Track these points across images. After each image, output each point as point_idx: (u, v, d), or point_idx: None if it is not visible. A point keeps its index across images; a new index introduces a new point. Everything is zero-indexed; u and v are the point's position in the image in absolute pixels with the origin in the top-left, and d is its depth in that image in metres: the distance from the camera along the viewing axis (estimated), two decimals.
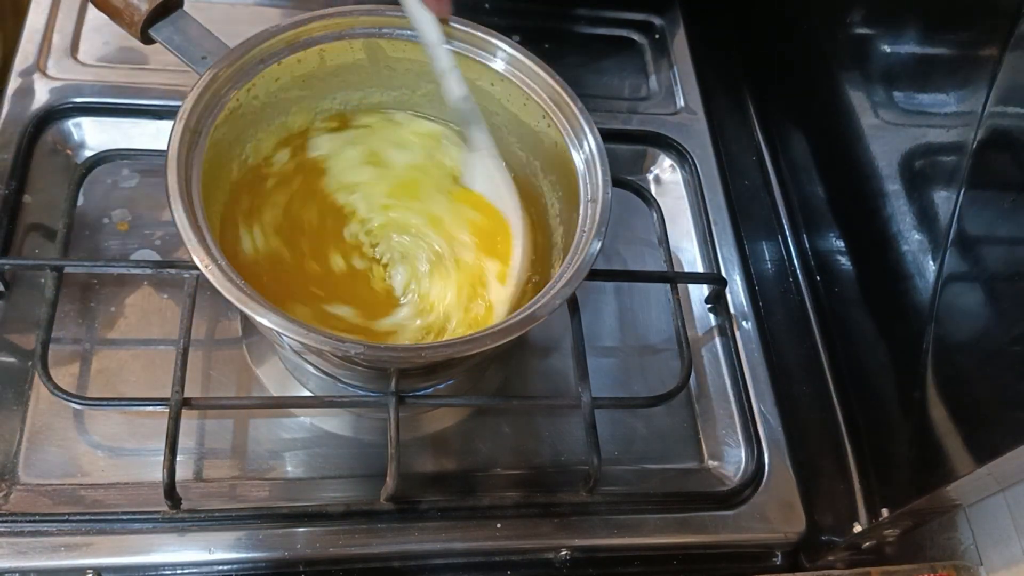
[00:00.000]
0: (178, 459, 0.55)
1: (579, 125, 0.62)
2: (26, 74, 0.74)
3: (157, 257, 0.70)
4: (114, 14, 0.62)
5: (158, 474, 0.55)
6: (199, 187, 0.54)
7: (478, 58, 0.65)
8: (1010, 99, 0.53)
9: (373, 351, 0.52)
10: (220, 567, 0.58)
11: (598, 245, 0.56)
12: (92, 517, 0.57)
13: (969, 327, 0.56)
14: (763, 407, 0.69)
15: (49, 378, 0.59)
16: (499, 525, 0.61)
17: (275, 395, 0.66)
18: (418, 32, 0.62)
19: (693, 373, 0.68)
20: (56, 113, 0.73)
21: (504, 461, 0.66)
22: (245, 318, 0.68)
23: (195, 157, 0.56)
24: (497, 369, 0.71)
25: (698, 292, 0.76)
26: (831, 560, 0.65)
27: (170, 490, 0.55)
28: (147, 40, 0.62)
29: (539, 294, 0.55)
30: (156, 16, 0.61)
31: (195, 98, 0.57)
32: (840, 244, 0.73)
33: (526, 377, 0.71)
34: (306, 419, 0.65)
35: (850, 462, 0.69)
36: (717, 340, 0.73)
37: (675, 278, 0.72)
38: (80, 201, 0.69)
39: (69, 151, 0.73)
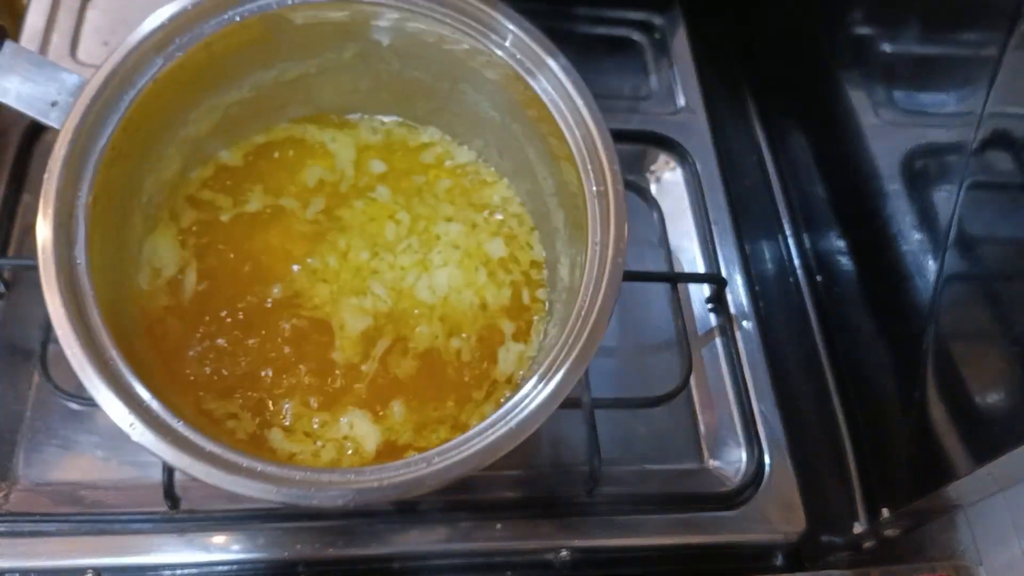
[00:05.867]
0: None
1: (560, 84, 0.57)
2: None
3: None
4: None
5: (158, 474, 0.55)
6: (91, 283, 0.44)
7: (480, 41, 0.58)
8: (1010, 99, 0.53)
9: (364, 496, 0.43)
10: (220, 567, 0.58)
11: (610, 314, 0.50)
12: (92, 517, 0.57)
13: (969, 327, 0.56)
14: (763, 407, 0.69)
15: (49, 378, 0.59)
16: (499, 525, 0.61)
17: None
18: None
19: (693, 373, 0.68)
20: None
21: (504, 461, 0.66)
22: None
23: (76, 247, 0.45)
24: None
25: (698, 292, 0.76)
26: (831, 560, 0.65)
27: (170, 490, 0.55)
28: None
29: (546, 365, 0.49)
30: None
31: (59, 172, 0.45)
32: (840, 244, 0.73)
33: None
34: None
35: (850, 462, 0.69)
36: (717, 340, 0.73)
37: (675, 278, 0.72)
38: None
39: None
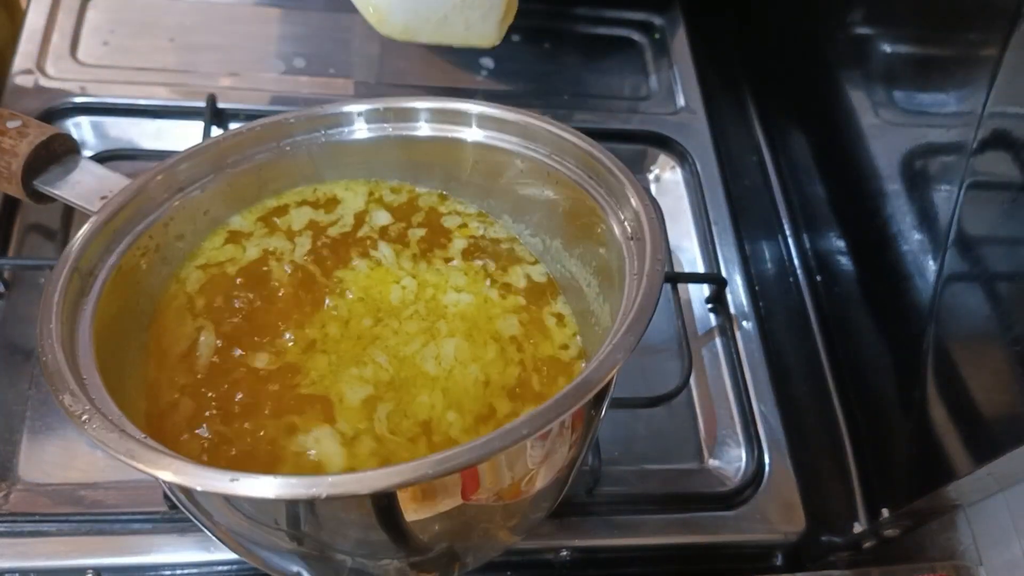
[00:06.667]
0: None
1: (603, 169, 0.52)
2: (26, 74, 0.74)
3: None
4: None
5: None
6: (90, 344, 0.43)
7: (446, 133, 0.56)
8: (1010, 99, 0.53)
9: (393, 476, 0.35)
10: (220, 567, 0.58)
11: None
12: (92, 517, 0.57)
13: (969, 327, 0.56)
14: (763, 407, 0.69)
15: None
16: None
17: None
18: None
19: (693, 373, 0.68)
20: (56, 113, 0.73)
21: None
22: None
23: (85, 308, 0.45)
24: None
25: (698, 292, 0.76)
26: (831, 560, 0.65)
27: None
28: (37, 197, 0.53)
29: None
30: (39, 163, 0.52)
31: (86, 237, 0.47)
32: (840, 244, 0.73)
33: None
34: None
35: (850, 462, 0.69)
36: (717, 340, 0.73)
37: (675, 278, 0.72)
38: None
39: None
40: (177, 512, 0.56)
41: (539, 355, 0.55)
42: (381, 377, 0.51)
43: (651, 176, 0.84)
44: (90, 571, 0.56)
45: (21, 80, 0.74)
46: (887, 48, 0.67)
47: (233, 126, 0.76)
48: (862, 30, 0.71)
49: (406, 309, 0.55)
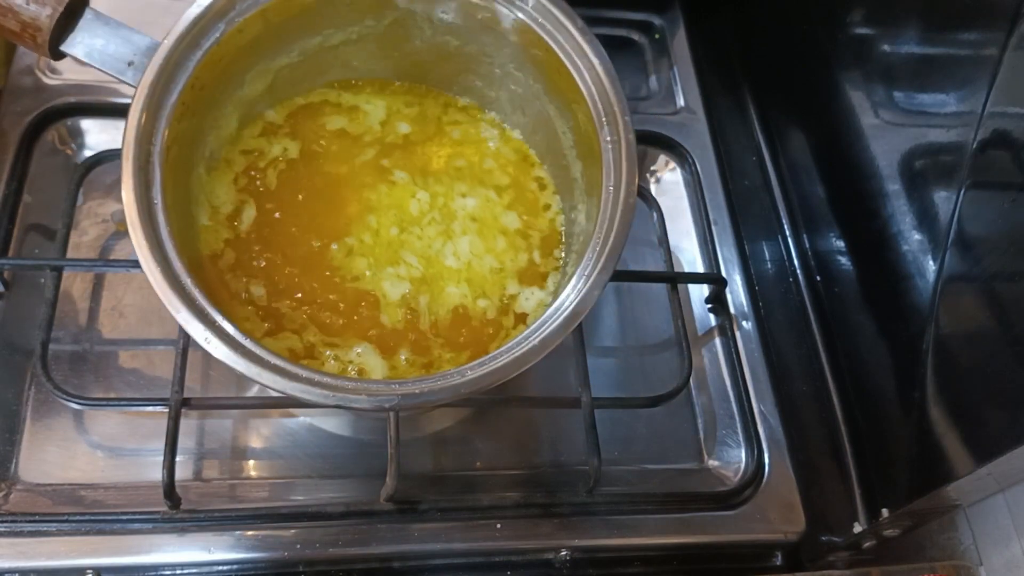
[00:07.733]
0: (178, 459, 0.55)
1: (577, 44, 0.61)
2: (26, 74, 0.74)
3: None
4: (14, 37, 0.54)
5: (158, 474, 0.55)
6: (168, 225, 0.51)
7: None
8: (1010, 99, 0.53)
9: (407, 400, 0.50)
10: (220, 567, 0.58)
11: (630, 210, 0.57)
12: (92, 517, 0.57)
13: (969, 327, 0.56)
14: (763, 407, 0.69)
15: (49, 378, 0.59)
16: (499, 525, 0.61)
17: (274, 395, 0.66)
18: None
19: (693, 373, 0.68)
20: (56, 113, 0.73)
21: (504, 461, 0.66)
22: None
23: (154, 188, 0.51)
24: None
25: (698, 292, 0.76)
26: (831, 560, 0.65)
27: (170, 490, 0.55)
28: (59, 57, 0.55)
29: (572, 282, 0.55)
30: (63, 27, 0.53)
31: (137, 122, 0.51)
32: (840, 244, 0.73)
33: (526, 377, 0.71)
34: (306, 419, 0.65)
35: (850, 462, 0.69)
36: (717, 340, 0.73)
37: (675, 278, 0.72)
38: (80, 201, 0.69)
39: (69, 151, 0.73)
40: (177, 512, 0.56)
41: (540, 230, 0.68)
42: (414, 275, 0.64)
43: (651, 176, 0.84)
44: (90, 571, 0.56)
45: (21, 80, 0.74)
46: (887, 48, 0.67)
47: None
48: (862, 30, 0.71)
49: (424, 217, 0.66)
